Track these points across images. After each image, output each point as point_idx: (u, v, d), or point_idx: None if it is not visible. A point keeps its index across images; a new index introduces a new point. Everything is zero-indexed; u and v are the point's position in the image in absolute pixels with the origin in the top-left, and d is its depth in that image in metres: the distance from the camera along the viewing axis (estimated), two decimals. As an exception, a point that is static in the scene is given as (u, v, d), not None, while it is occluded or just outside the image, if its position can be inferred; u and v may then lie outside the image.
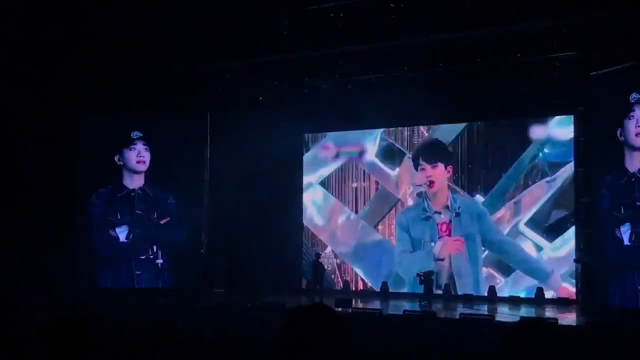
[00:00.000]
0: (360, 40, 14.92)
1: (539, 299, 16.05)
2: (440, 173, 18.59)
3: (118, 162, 17.93)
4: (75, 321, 3.02)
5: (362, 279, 18.83)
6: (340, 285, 18.87)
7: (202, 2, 14.16)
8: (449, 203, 18.44)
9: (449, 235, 18.20)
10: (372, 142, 19.18)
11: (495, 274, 17.41)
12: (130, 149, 17.91)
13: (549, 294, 16.34)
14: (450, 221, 18.33)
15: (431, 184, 18.62)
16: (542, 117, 17.01)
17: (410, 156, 19.06)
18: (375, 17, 14.06)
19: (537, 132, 17.20)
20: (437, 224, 18.53)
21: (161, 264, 17.83)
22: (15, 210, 15.90)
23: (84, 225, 17.74)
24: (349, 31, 14.48)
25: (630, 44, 13.39)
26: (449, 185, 18.55)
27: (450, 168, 18.42)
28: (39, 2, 14.18)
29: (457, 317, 13.23)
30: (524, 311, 15.04)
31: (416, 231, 18.74)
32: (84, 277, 17.42)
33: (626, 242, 14.06)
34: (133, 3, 14.10)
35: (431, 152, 18.88)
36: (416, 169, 18.89)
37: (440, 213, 18.52)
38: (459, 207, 18.28)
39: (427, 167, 18.67)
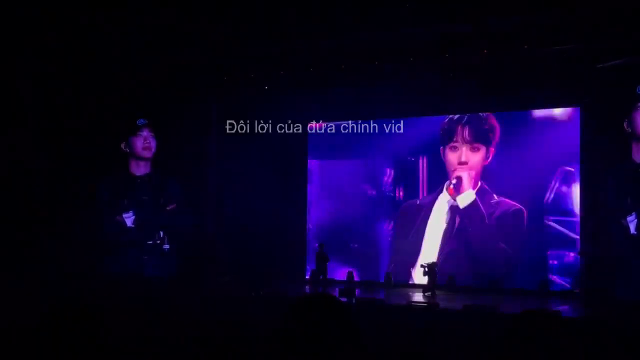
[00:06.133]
0: (366, 29, 14.86)
1: (543, 291, 16.00)
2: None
3: (124, 149, 17.94)
4: (83, 306, 3.04)
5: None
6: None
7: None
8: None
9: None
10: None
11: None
12: (137, 136, 17.91)
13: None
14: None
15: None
16: (548, 108, 16.69)
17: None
18: (380, 7, 14.02)
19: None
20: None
21: (167, 249, 17.84)
22: (21, 197, 15.92)
23: (91, 211, 17.72)
24: (354, 20, 14.43)
25: (637, 35, 13.32)
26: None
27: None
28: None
29: (461, 308, 13.23)
30: (528, 303, 15.00)
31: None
32: (91, 263, 17.40)
33: (632, 231, 14.17)
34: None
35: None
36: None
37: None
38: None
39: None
